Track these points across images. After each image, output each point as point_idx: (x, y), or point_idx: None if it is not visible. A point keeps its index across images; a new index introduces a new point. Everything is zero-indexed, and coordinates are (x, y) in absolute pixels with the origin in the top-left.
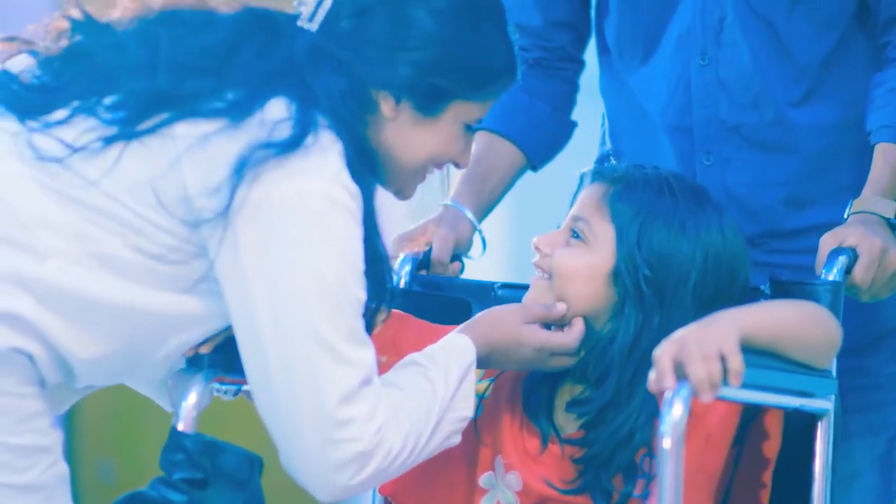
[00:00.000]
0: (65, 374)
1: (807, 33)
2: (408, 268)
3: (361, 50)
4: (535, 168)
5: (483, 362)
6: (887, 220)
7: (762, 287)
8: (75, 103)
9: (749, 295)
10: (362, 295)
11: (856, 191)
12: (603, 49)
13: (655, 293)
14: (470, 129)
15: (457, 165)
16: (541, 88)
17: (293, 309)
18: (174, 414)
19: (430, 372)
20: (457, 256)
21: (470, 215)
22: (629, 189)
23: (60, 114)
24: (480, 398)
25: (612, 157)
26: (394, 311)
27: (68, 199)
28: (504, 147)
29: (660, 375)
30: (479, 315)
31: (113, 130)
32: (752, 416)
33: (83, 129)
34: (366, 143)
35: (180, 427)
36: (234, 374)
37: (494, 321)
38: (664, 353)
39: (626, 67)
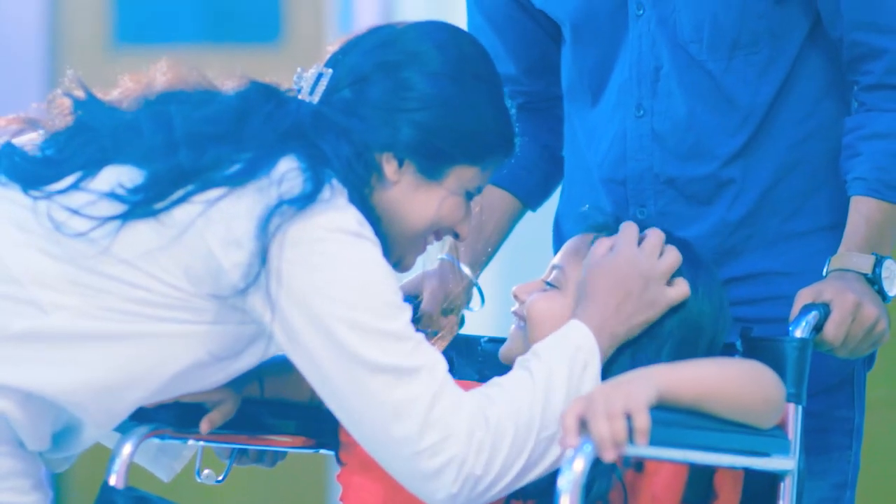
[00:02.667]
0: (41, 432)
1: (747, 79)
2: None
3: (363, 115)
4: (533, 209)
5: (608, 324)
6: (865, 275)
7: (735, 343)
8: (79, 174)
9: (722, 352)
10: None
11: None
12: (563, 93)
13: (629, 341)
14: (470, 199)
15: (456, 236)
16: (527, 131)
17: (343, 324)
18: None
19: (531, 363)
20: (454, 310)
21: (465, 268)
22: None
23: (64, 184)
24: None
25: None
26: None
27: (79, 267)
28: (496, 194)
29: (564, 433)
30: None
31: (126, 207)
32: (702, 475)
33: (87, 202)
34: (372, 209)
35: (112, 481)
36: (182, 429)
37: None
38: (570, 410)
39: (575, 113)
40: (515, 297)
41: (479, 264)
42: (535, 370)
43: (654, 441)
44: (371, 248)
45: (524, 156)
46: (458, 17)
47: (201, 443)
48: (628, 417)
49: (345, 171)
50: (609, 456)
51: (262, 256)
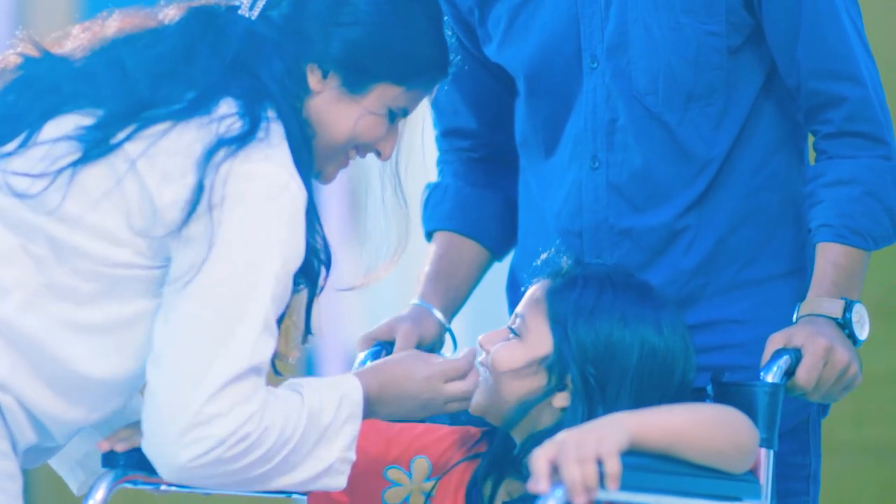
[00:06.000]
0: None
1: (703, 130)
2: (368, 364)
3: (297, 28)
4: (499, 258)
5: (376, 402)
6: (835, 319)
7: (707, 388)
8: (29, 129)
9: (692, 395)
10: (289, 290)
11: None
12: (517, 146)
13: (599, 386)
14: (393, 119)
15: (378, 155)
16: (491, 182)
17: (240, 272)
18: None
19: (306, 390)
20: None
21: (437, 313)
22: (568, 285)
23: (12, 145)
24: (427, 496)
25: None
26: None
27: (28, 228)
28: (464, 244)
29: (535, 477)
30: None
31: (83, 147)
32: None
33: (38, 158)
34: (306, 123)
35: None
36: (151, 474)
37: (391, 360)
38: (542, 454)
39: (529, 165)
40: (481, 346)
41: (451, 310)
42: (306, 398)
43: (626, 486)
44: (294, 215)
45: (489, 207)
46: None
47: (173, 488)
48: (600, 462)
49: (279, 92)
50: (580, 500)
51: (198, 193)
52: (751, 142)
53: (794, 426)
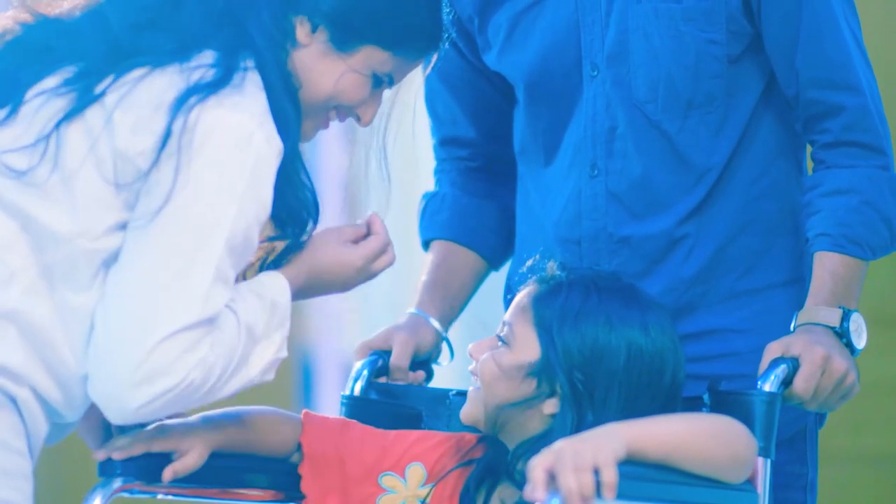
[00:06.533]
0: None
1: (702, 139)
2: (365, 373)
3: None
4: (496, 268)
5: (304, 292)
6: (833, 328)
7: (703, 397)
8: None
9: (689, 404)
10: (255, 242)
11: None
12: (516, 154)
13: (587, 391)
14: (378, 85)
15: (359, 120)
16: (489, 191)
17: (194, 221)
18: None
19: (239, 306)
20: (423, 364)
21: (434, 322)
22: (553, 291)
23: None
24: (422, 503)
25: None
26: (337, 418)
27: (17, 210)
28: (462, 253)
29: (532, 486)
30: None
31: (58, 115)
32: None
33: (24, 128)
34: (289, 76)
35: None
36: (149, 482)
37: (315, 247)
38: (539, 463)
39: (528, 173)
40: (470, 355)
41: (447, 319)
42: (241, 316)
43: (622, 495)
44: (251, 158)
45: (487, 217)
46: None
47: (170, 497)
48: (596, 472)
49: (264, 42)
50: None
51: (165, 139)
52: (750, 150)
53: (792, 436)
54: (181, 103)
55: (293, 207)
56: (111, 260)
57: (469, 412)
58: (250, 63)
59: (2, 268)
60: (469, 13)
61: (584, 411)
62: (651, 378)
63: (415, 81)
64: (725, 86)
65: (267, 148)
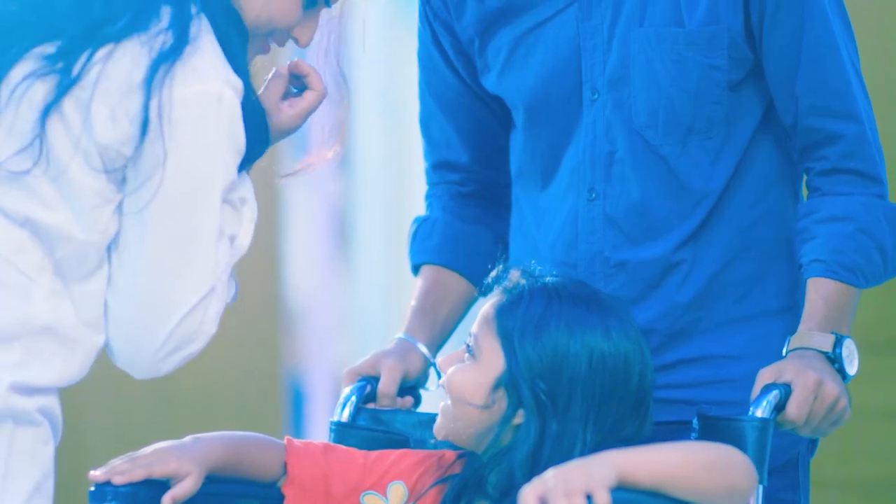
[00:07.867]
0: None
1: (701, 164)
2: (353, 399)
3: None
4: (485, 295)
5: None
6: (825, 353)
7: (693, 422)
8: None
9: (677, 429)
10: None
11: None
12: (512, 177)
13: (550, 400)
14: (311, 5)
15: (297, 42)
16: (480, 217)
17: (188, 195)
18: None
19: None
20: (411, 389)
21: (422, 347)
22: (515, 301)
23: None
24: None
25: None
26: (321, 443)
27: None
28: (451, 278)
29: None
30: None
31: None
32: None
33: (10, 122)
34: (234, 12)
35: None
36: None
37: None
38: (530, 491)
39: (524, 196)
40: (439, 368)
41: (436, 345)
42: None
43: None
44: (225, 117)
45: (478, 243)
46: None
47: None
48: (589, 498)
49: None
50: None
51: (144, 126)
52: (747, 176)
53: (785, 463)
54: (150, 81)
55: (250, 132)
56: (112, 242)
57: (439, 427)
58: (194, 9)
59: (19, 276)
60: (470, 35)
61: (547, 420)
62: (616, 383)
63: None
64: (725, 112)
65: (233, 97)
